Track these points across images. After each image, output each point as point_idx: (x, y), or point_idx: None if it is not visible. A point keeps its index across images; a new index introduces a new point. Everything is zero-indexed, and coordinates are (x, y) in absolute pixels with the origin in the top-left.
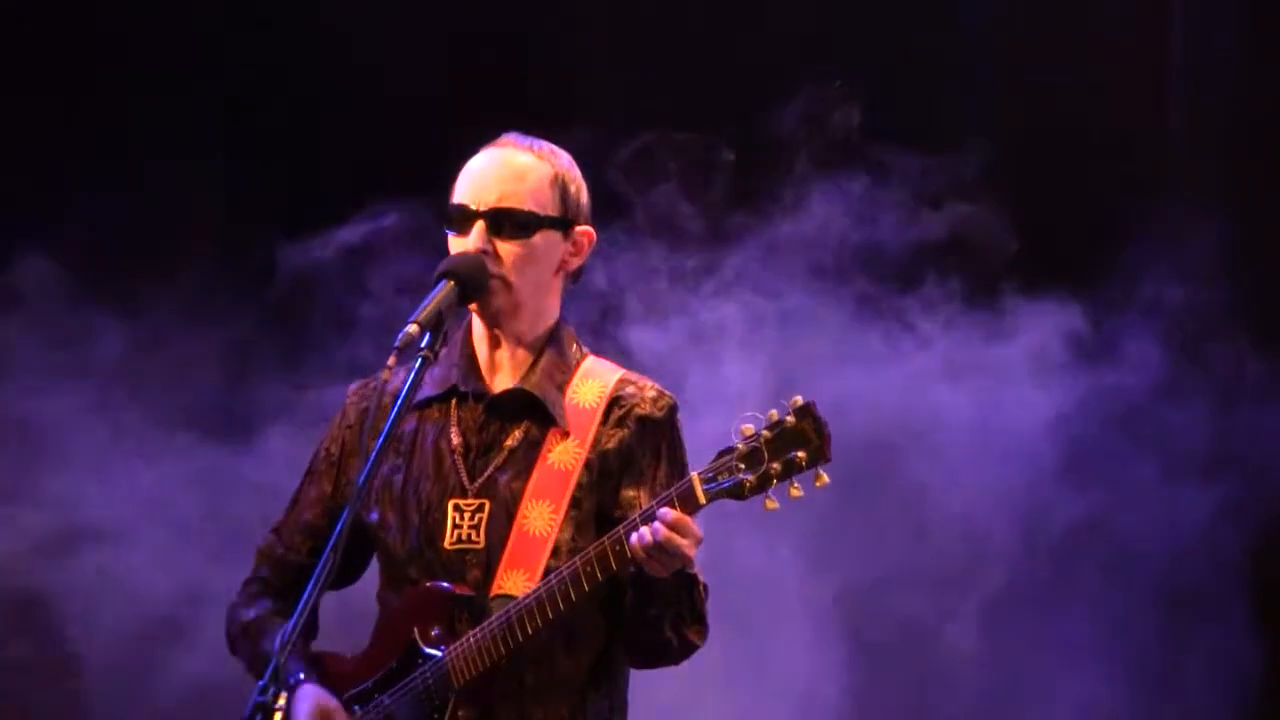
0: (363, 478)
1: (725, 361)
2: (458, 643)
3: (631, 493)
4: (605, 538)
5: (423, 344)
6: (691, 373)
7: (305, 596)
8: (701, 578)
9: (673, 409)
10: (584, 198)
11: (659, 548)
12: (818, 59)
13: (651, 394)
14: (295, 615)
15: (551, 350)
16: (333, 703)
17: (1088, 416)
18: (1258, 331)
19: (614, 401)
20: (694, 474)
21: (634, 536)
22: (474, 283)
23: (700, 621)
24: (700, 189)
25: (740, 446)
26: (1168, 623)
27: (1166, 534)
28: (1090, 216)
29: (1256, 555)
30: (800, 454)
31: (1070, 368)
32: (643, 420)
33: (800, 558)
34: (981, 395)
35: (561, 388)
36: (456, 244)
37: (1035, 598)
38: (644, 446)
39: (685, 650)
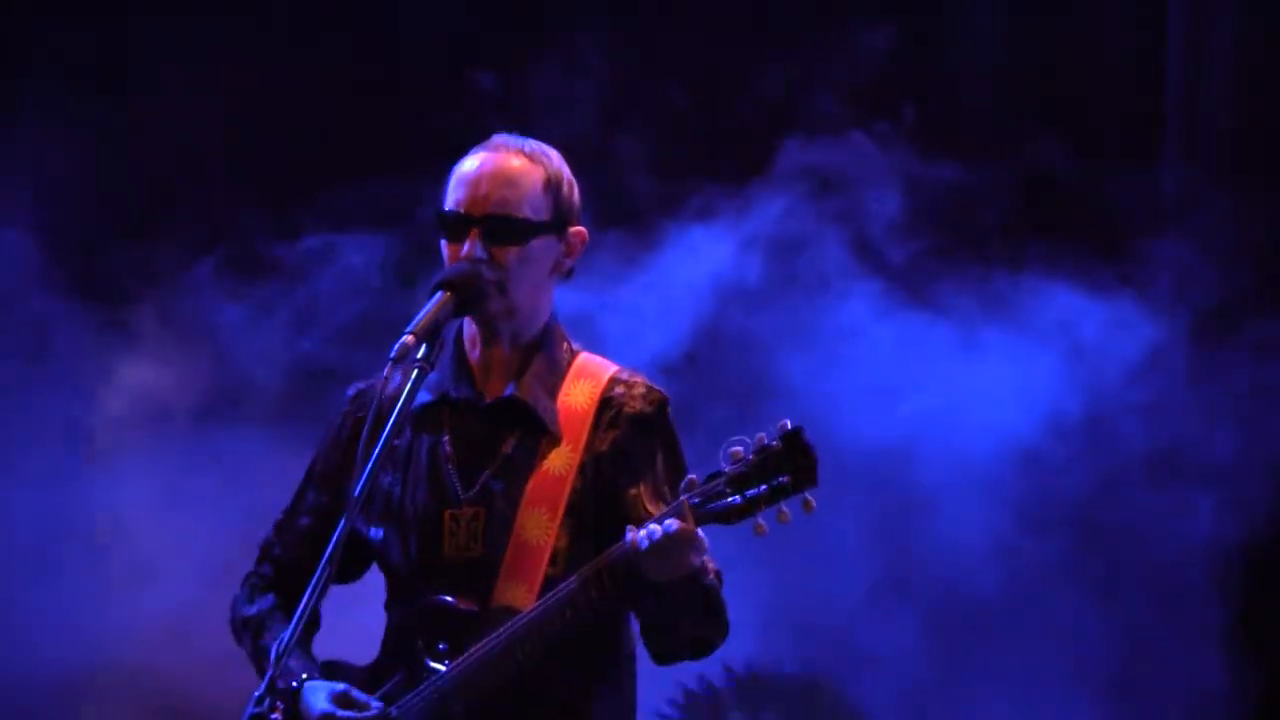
0: (357, 489)
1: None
2: (462, 657)
3: (633, 491)
4: (598, 559)
5: (418, 354)
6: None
7: (301, 607)
8: (713, 566)
9: (663, 404)
10: (575, 196)
11: (659, 549)
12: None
13: (641, 391)
14: (292, 624)
15: (543, 353)
16: (341, 686)
17: (1087, 414)
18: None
19: (604, 403)
20: (683, 498)
21: (629, 535)
22: (471, 294)
23: (718, 619)
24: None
25: (728, 470)
26: (1167, 623)
27: (1168, 533)
28: (1093, 205)
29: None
30: (787, 479)
31: (1073, 359)
32: (633, 419)
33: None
34: (979, 387)
35: (554, 392)
36: (451, 250)
37: (1033, 597)
38: (638, 444)
39: (703, 650)
